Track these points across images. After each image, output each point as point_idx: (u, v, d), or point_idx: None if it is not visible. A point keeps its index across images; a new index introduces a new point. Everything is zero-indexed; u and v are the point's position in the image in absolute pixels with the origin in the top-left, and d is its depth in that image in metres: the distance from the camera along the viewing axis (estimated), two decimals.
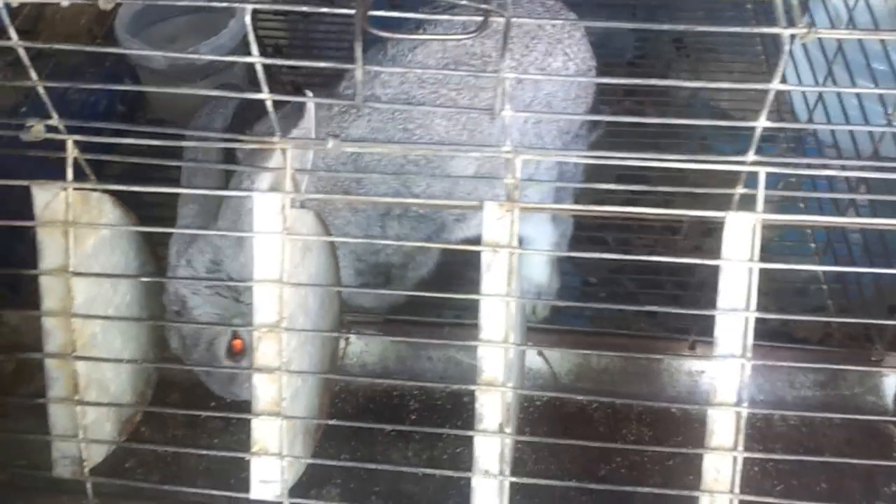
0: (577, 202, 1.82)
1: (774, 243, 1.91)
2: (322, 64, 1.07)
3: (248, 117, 1.46)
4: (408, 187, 1.53)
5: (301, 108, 1.23)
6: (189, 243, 1.37)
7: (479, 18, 1.00)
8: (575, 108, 1.71)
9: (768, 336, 1.52)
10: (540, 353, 1.46)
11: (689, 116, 2.19)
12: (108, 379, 1.28)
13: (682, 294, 1.89)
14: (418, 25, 1.58)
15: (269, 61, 1.04)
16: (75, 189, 1.22)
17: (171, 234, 1.43)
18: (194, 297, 1.35)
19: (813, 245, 1.88)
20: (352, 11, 0.98)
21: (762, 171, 1.11)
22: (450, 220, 1.59)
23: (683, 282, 1.94)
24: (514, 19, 0.97)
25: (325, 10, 1.09)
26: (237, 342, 1.36)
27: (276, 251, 1.17)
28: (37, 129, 1.16)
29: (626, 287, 2.00)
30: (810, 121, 1.86)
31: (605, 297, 1.95)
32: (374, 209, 1.52)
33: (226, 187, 1.36)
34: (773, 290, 1.77)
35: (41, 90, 1.14)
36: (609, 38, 2.66)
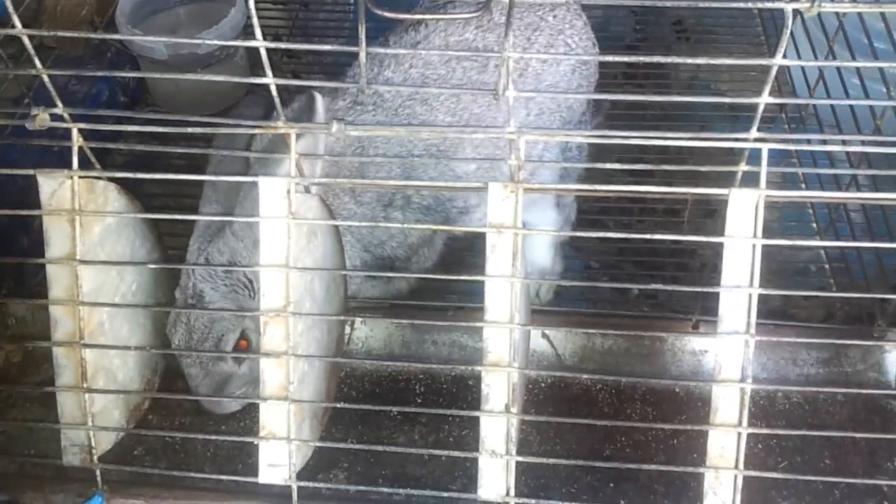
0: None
1: (776, 224, 1.92)
2: (326, 48, 1.07)
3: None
4: (410, 178, 1.54)
5: (312, 104, 1.24)
6: (209, 241, 1.40)
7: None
8: (577, 98, 1.71)
9: (770, 316, 1.53)
10: (544, 335, 1.46)
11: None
12: (115, 367, 1.29)
13: (682, 276, 1.90)
14: (420, 8, 1.58)
15: (272, 45, 1.04)
16: (81, 177, 1.22)
17: (176, 223, 1.44)
18: (212, 293, 1.37)
19: (814, 225, 1.89)
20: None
21: (765, 148, 1.12)
22: (453, 213, 1.60)
23: (684, 264, 1.95)
24: None
25: None
26: (244, 342, 1.38)
27: (282, 235, 1.17)
28: (41, 118, 1.16)
29: (627, 270, 2.01)
30: (811, 97, 1.86)
31: (606, 280, 1.95)
32: (378, 200, 1.53)
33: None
34: (774, 272, 1.78)
35: (46, 79, 1.14)
36: (609, 22, 2.66)
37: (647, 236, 1.15)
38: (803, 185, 1.90)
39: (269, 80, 1.10)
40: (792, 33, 0.99)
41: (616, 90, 2.38)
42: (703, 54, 2.53)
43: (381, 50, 1.51)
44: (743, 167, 1.12)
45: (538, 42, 1.64)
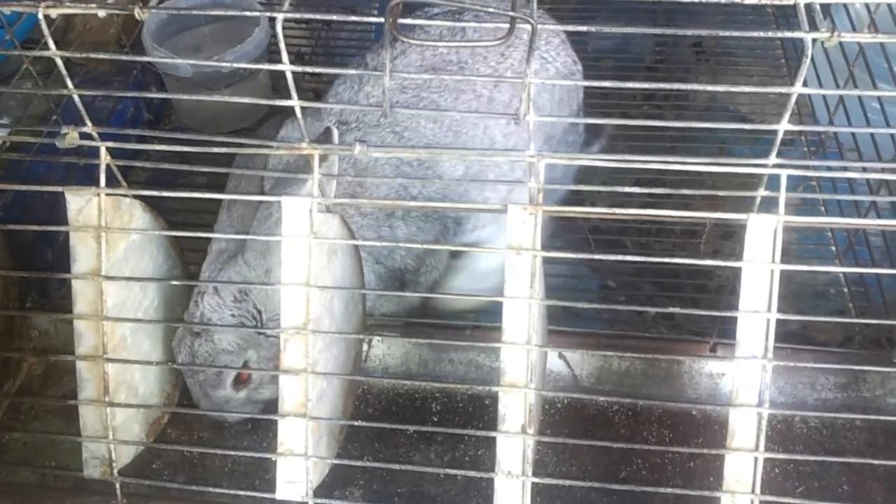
0: (592, 206, 1.82)
1: (794, 246, 1.91)
2: (350, 72, 1.09)
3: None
4: (405, 188, 1.58)
5: (328, 137, 1.28)
6: (220, 270, 1.42)
7: (506, 25, 1.02)
8: (559, 111, 1.73)
9: (788, 339, 1.52)
10: (561, 356, 1.47)
11: (707, 120, 2.19)
12: (136, 381, 1.31)
13: (700, 297, 1.90)
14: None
15: (298, 69, 1.06)
16: (107, 195, 1.25)
17: (198, 240, 1.46)
18: (219, 323, 1.38)
19: (833, 248, 1.88)
20: (381, 20, 1.00)
21: (784, 174, 1.12)
22: (449, 222, 1.63)
23: (702, 285, 1.94)
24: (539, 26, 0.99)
25: (353, 18, 1.10)
26: (244, 375, 1.40)
27: (304, 254, 1.19)
28: (71, 137, 1.19)
29: (645, 291, 2.00)
30: (831, 124, 1.86)
31: (624, 300, 1.95)
32: (381, 211, 1.55)
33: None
34: (792, 293, 1.77)
35: (76, 98, 1.17)
36: (628, 42, 2.67)
37: (666, 260, 1.16)
38: (823, 209, 1.89)
39: (294, 102, 1.13)
40: (812, 58, 0.99)
41: (635, 111, 2.38)
42: (723, 76, 2.57)
43: (406, 74, 1.53)
44: (762, 192, 1.13)
45: (512, 56, 1.66)
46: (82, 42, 2.17)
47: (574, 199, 1.83)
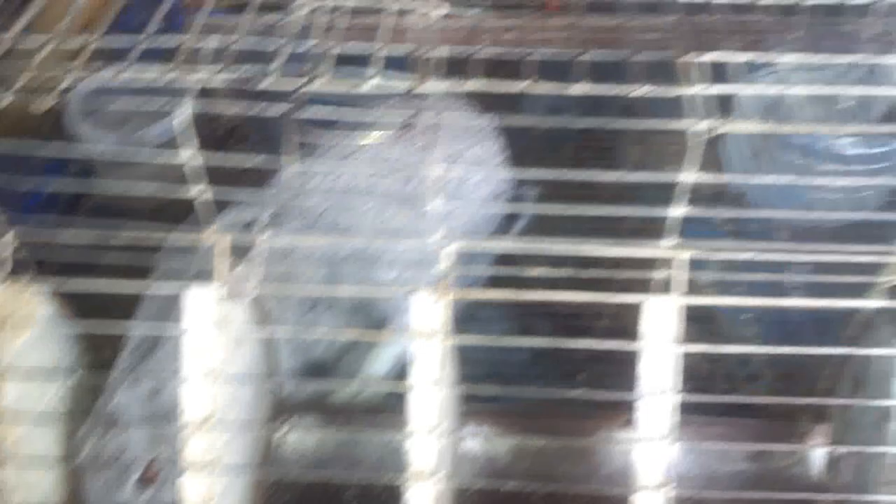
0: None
1: (717, 311, 1.94)
2: (252, 162, 1.11)
3: None
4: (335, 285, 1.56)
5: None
6: (138, 362, 1.39)
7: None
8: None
9: (703, 406, 1.53)
10: (475, 438, 1.46)
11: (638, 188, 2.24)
12: (34, 481, 1.26)
13: (630, 366, 1.91)
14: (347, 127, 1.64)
15: (195, 165, 1.06)
16: (10, 284, 1.22)
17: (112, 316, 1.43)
18: (129, 418, 1.35)
19: (749, 315, 1.92)
20: (277, 115, 1.02)
21: (679, 257, 1.15)
22: (374, 320, 1.62)
23: (632, 353, 1.95)
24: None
25: (251, 113, 1.11)
26: (152, 472, 1.36)
27: (207, 345, 1.17)
28: None
29: (575, 357, 2.01)
30: (739, 203, 1.93)
31: (550, 372, 1.96)
32: (305, 302, 1.54)
33: None
34: (710, 358, 1.80)
35: None
36: (559, 109, 2.73)
37: (564, 343, 1.18)
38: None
39: (200, 189, 1.13)
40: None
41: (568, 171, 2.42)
42: (651, 137, 2.62)
43: (310, 168, 1.56)
44: (657, 275, 1.16)
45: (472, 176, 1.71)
46: (2, 115, 2.14)
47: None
